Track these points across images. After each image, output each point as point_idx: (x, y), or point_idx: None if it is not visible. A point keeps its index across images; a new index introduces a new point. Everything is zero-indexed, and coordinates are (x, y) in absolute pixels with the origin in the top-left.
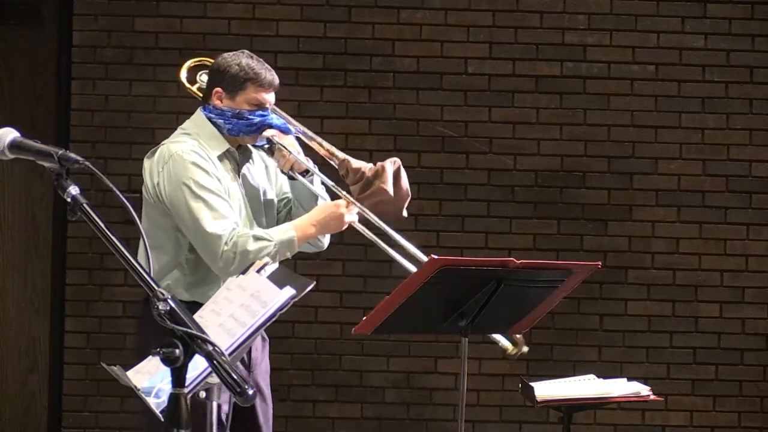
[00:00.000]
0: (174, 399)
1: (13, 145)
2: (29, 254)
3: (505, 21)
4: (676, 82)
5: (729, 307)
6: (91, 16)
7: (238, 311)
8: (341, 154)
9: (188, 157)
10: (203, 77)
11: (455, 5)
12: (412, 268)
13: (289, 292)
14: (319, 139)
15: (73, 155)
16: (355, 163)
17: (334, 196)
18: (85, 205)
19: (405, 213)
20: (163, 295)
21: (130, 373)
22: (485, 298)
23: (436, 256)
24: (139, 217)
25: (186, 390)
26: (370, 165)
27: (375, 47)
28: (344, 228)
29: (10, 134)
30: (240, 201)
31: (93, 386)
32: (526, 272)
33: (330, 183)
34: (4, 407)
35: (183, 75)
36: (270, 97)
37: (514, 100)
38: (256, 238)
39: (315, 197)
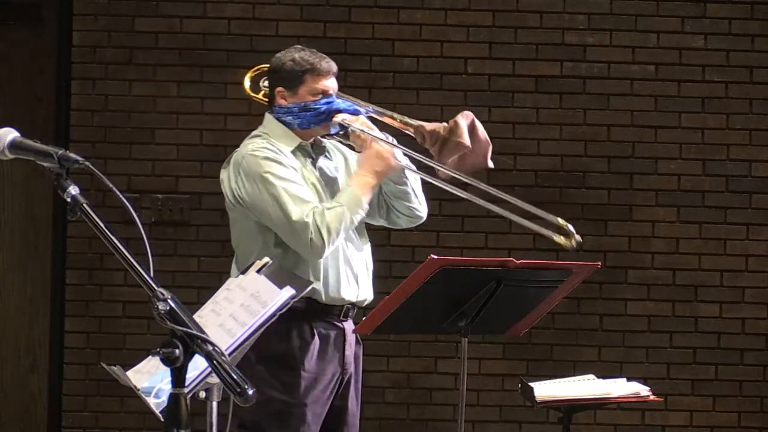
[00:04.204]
0: (174, 399)
1: (13, 145)
2: (29, 254)
3: (505, 21)
4: (676, 82)
5: (729, 307)
6: (91, 16)
7: (237, 311)
8: (415, 122)
9: (260, 153)
10: (266, 83)
11: (455, 5)
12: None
13: (289, 292)
14: (390, 113)
15: (73, 155)
16: (429, 126)
17: (419, 166)
18: (85, 205)
19: (491, 163)
20: (162, 295)
21: (130, 373)
22: (485, 298)
23: (436, 256)
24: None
25: (186, 390)
26: (444, 124)
27: (375, 47)
28: (392, 163)
29: (10, 134)
30: (318, 193)
31: (93, 386)
32: (526, 272)
33: (411, 152)
34: (4, 407)
35: (247, 86)
36: (331, 83)
37: (514, 100)
38: (329, 208)
39: (402, 170)
